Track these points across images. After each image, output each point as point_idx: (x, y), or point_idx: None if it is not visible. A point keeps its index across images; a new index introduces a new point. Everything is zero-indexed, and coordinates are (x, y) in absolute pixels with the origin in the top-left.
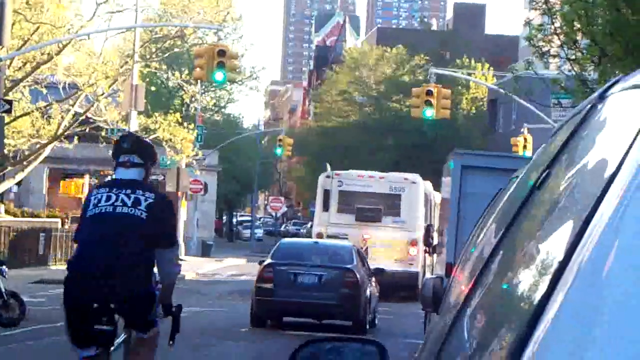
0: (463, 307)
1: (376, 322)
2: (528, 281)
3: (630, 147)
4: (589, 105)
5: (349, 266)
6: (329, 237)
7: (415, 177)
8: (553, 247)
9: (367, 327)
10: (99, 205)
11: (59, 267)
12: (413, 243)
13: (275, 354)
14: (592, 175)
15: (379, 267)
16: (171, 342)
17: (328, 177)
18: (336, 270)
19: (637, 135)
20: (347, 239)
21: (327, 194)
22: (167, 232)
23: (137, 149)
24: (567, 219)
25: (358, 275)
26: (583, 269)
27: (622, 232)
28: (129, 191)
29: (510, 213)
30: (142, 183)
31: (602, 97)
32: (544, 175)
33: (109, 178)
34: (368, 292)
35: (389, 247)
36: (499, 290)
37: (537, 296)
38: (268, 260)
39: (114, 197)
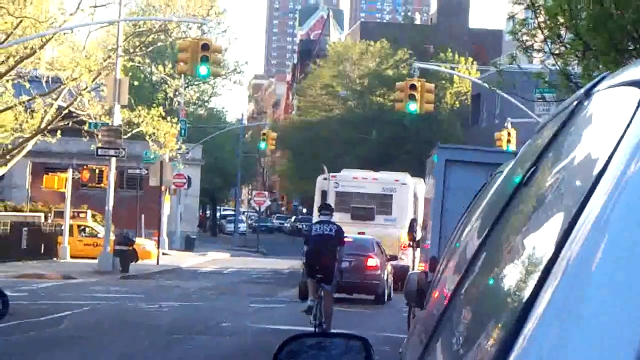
0: (450, 302)
1: (391, 296)
2: (516, 277)
3: (618, 144)
4: (575, 102)
5: (370, 254)
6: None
7: (406, 178)
8: (541, 243)
9: (385, 300)
10: (317, 230)
11: (41, 262)
12: (408, 238)
13: (256, 348)
14: (580, 172)
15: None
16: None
17: (325, 179)
18: (361, 257)
19: (624, 132)
20: None
21: (324, 194)
22: (341, 240)
23: (330, 209)
24: (555, 215)
25: (378, 261)
26: (571, 266)
27: (610, 229)
28: (326, 224)
29: (496, 208)
30: (330, 222)
31: (588, 94)
32: (530, 171)
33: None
34: (385, 274)
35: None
36: (486, 286)
37: (526, 292)
38: None
39: (321, 227)
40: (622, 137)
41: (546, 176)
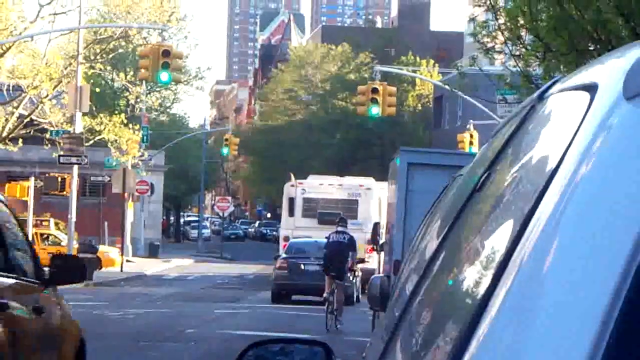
0: (408, 303)
1: (359, 298)
2: (471, 279)
3: (568, 148)
4: (529, 106)
5: None
6: (294, 239)
7: (370, 183)
8: (495, 245)
9: (354, 302)
10: (334, 238)
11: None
12: (369, 243)
13: (223, 354)
14: (532, 175)
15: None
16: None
17: (292, 185)
18: None
19: (574, 136)
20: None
21: (291, 201)
22: (353, 247)
23: (345, 221)
24: (509, 217)
25: (348, 265)
26: (524, 266)
27: (562, 228)
28: (341, 234)
29: (453, 211)
30: (345, 232)
31: (541, 98)
32: (484, 175)
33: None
34: (354, 277)
35: None
36: (443, 288)
37: (480, 293)
38: (283, 255)
39: (337, 235)
40: (572, 140)
41: (500, 179)
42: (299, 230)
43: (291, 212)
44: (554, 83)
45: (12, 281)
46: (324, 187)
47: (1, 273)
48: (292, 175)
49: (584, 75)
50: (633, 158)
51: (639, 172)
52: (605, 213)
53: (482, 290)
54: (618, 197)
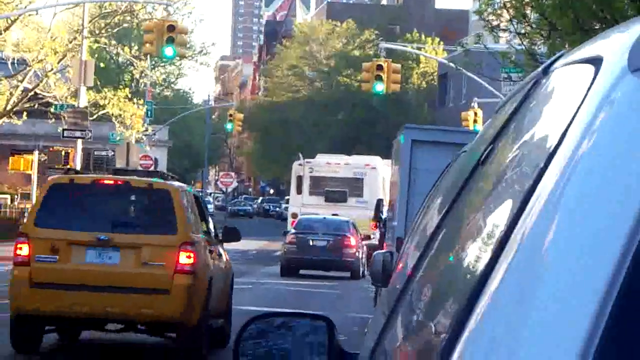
0: (409, 280)
1: (365, 273)
2: (472, 255)
3: (571, 122)
4: (533, 81)
5: (347, 234)
6: (302, 216)
7: (376, 161)
8: (496, 221)
9: (360, 276)
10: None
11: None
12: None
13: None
14: (534, 150)
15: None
16: None
17: (300, 164)
18: (339, 237)
19: (577, 110)
20: None
21: (299, 179)
22: None
23: None
24: (510, 193)
25: (354, 241)
26: (524, 244)
27: (563, 204)
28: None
29: (456, 188)
30: None
31: (545, 72)
32: (487, 150)
33: None
34: (360, 253)
35: None
36: (443, 264)
37: (480, 269)
38: (292, 231)
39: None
40: (575, 114)
41: (502, 155)
42: (306, 207)
43: (299, 190)
44: (558, 57)
45: (214, 239)
46: (331, 166)
47: (208, 236)
48: (300, 155)
49: (589, 49)
50: (636, 132)
51: None
52: (606, 190)
53: (482, 266)
54: (619, 173)
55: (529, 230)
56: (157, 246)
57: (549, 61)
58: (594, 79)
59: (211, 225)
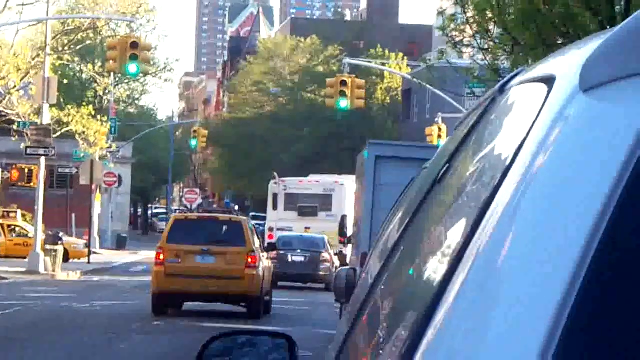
0: (369, 295)
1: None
2: (430, 268)
3: (525, 139)
4: (490, 98)
5: (322, 250)
6: (278, 229)
7: (344, 179)
8: (454, 234)
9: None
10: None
11: None
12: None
13: (190, 346)
14: (490, 167)
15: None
16: None
17: (275, 183)
18: (315, 253)
19: (531, 127)
20: (292, 230)
21: (275, 197)
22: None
23: None
24: (467, 208)
25: (328, 256)
26: (480, 256)
27: (518, 218)
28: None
29: (415, 202)
30: None
31: (501, 90)
32: (445, 166)
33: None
34: (334, 267)
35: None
36: (403, 278)
37: (437, 282)
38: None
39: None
40: (529, 132)
41: (460, 171)
42: (281, 222)
43: (275, 206)
44: (514, 75)
45: (262, 250)
46: (303, 184)
47: (260, 248)
48: (275, 174)
49: (543, 67)
50: (588, 150)
51: (594, 163)
52: (561, 204)
53: (439, 278)
54: (573, 188)
55: (485, 244)
56: (235, 253)
57: (505, 79)
58: (546, 98)
59: (259, 242)
